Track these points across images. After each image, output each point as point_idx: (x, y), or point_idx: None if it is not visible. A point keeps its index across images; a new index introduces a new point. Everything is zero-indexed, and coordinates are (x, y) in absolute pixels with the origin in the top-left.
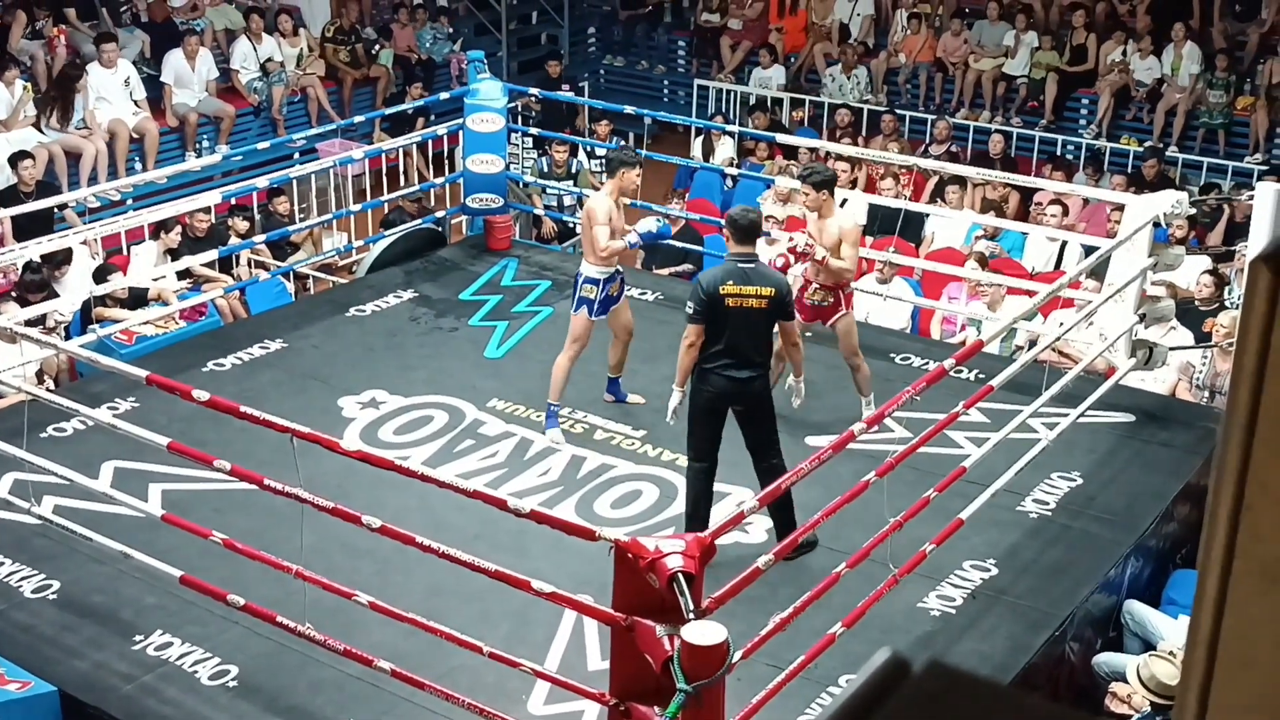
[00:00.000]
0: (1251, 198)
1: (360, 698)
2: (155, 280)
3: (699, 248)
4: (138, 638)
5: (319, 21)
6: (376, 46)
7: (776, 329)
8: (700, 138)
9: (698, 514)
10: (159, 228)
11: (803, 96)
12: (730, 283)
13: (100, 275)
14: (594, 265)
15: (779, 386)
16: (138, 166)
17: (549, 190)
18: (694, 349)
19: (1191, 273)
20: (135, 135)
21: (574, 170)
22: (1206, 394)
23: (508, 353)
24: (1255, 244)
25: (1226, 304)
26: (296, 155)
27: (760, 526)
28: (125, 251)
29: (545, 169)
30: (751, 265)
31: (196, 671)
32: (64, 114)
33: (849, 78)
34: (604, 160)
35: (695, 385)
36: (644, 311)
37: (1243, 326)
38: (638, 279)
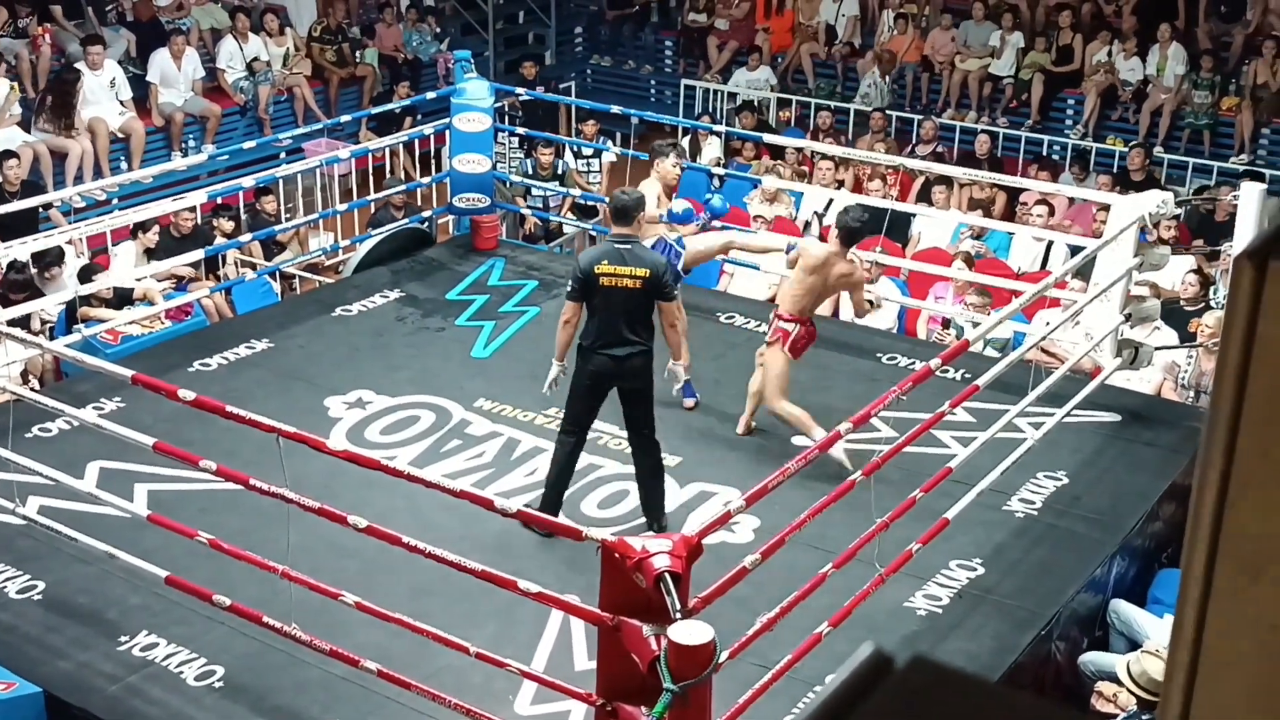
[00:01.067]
0: (1236, 197)
1: (346, 698)
2: (139, 280)
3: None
4: (123, 638)
5: (305, 21)
6: (362, 46)
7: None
8: (687, 138)
9: (560, 485)
10: (137, 227)
11: (789, 96)
12: (605, 262)
13: (85, 275)
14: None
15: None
16: (123, 166)
17: (535, 190)
18: (569, 325)
19: (1176, 273)
20: (121, 135)
21: (560, 171)
22: (1191, 394)
23: (495, 352)
24: (1240, 243)
25: (1212, 304)
26: (283, 155)
27: (747, 526)
28: (110, 251)
29: (531, 169)
30: (628, 246)
31: (182, 672)
32: (66, 119)
33: (885, 80)
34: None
35: (578, 364)
36: None
37: (1227, 323)
38: None
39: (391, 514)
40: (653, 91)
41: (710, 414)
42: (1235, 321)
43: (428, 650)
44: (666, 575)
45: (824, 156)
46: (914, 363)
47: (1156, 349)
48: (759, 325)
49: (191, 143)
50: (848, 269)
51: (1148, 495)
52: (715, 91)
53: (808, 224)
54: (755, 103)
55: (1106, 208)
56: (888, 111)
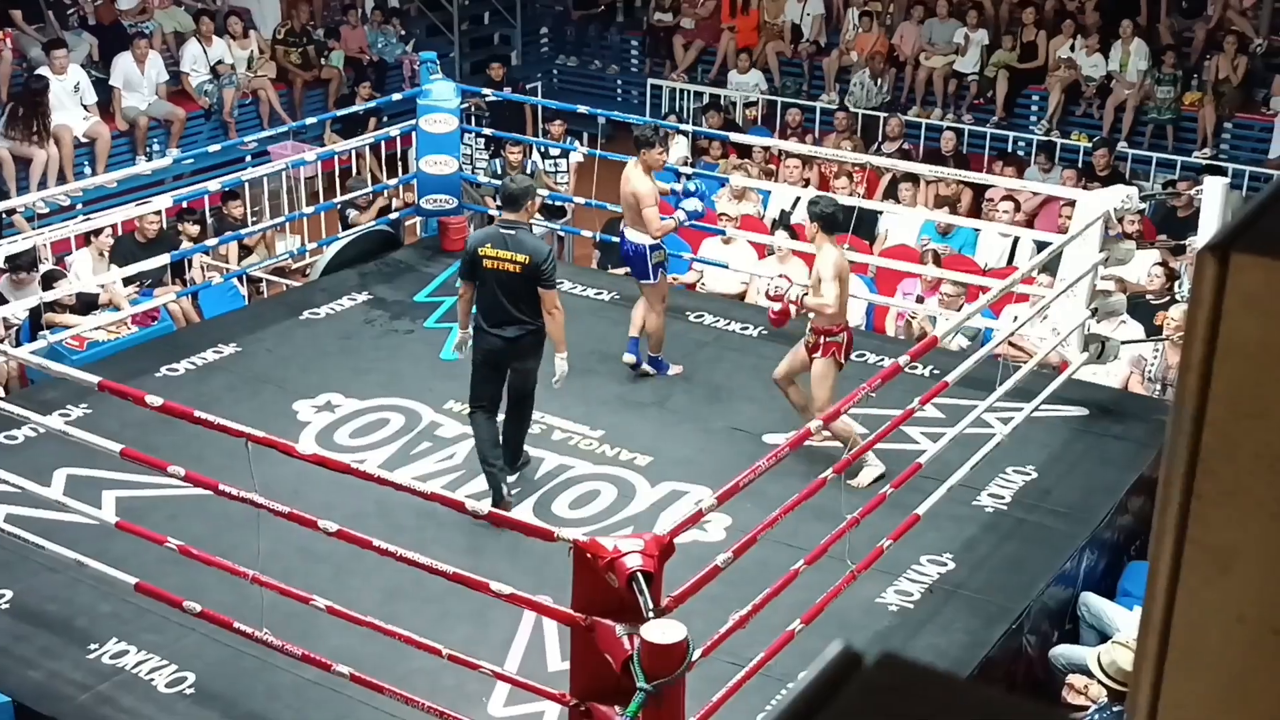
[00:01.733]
0: (1200, 191)
1: (318, 703)
2: (100, 286)
3: None
4: (93, 646)
5: (269, 23)
6: (328, 48)
7: None
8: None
9: (490, 455)
10: (91, 232)
11: (788, 100)
12: (489, 245)
13: (47, 281)
14: (649, 235)
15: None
16: (87, 171)
17: None
18: (464, 299)
19: (1141, 267)
20: (86, 140)
21: (529, 171)
22: (1158, 387)
23: None
24: (1204, 237)
25: (1177, 297)
26: (248, 158)
27: (719, 524)
28: (69, 258)
29: (500, 170)
30: (512, 232)
31: (153, 679)
32: (35, 129)
33: (876, 83)
34: (634, 139)
35: (474, 343)
36: (600, 311)
37: (1190, 317)
38: (594, 278)
39: (362, 518)
40: (619, 91)
41: (681, 413)
42: (1199, 315)
43: (400, 653)
44: (639, 575)
45: (790, 155)
46: (883, 359)
47: (1123, 343)
48: (728, 324)
49: (156, 147)
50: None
51: (1116, 488)
52: (682, 91)
53: (775, 222)
54: (721, 101)
55: (1072, 203)
56: (852, 109)
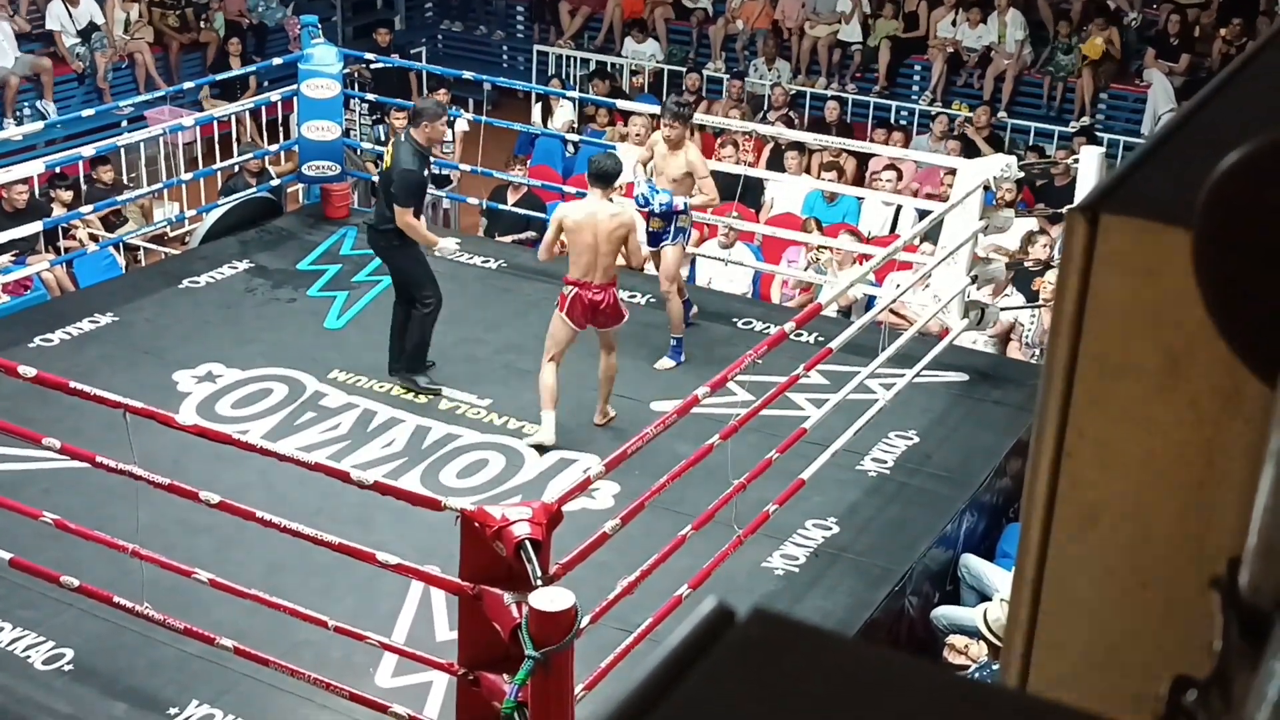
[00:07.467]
0: (1076, 160)
1: (202, 676)
2: None
3: (541, 214)
4: None
5: None
6: (208, 9)
7: None
8: (540, 103)
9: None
10: None
11: (660, 65)
12: (389, 142)
13: None
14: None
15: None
16: None
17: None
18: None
19: (1020, 235)
20: None
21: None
22: (1036, 352)
23: (348, 323)
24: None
25: (1052, 264)
26: (124, 123)
27: (607, 492)
28: None
29: (383, 136)
30: (399, 138)
31: (29, 656)
32: None
33: (770, 67)
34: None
35: None
36: (486, 279)
37: (1061, 277)
38: (480, 246)
39: (245, 489)
40: (505, 57)
41: (568, 381)
42: (1069, 275)
43: (286, 626)
44: (527, 543)
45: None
46: (769, 327)
47: (1002, 310)
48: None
49: (27, 111)
50: (615, 212)
51: (995, 452)
52: (568, 57)
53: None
54: (609, 68)
55: (953, 172)
56: (746, 90)
